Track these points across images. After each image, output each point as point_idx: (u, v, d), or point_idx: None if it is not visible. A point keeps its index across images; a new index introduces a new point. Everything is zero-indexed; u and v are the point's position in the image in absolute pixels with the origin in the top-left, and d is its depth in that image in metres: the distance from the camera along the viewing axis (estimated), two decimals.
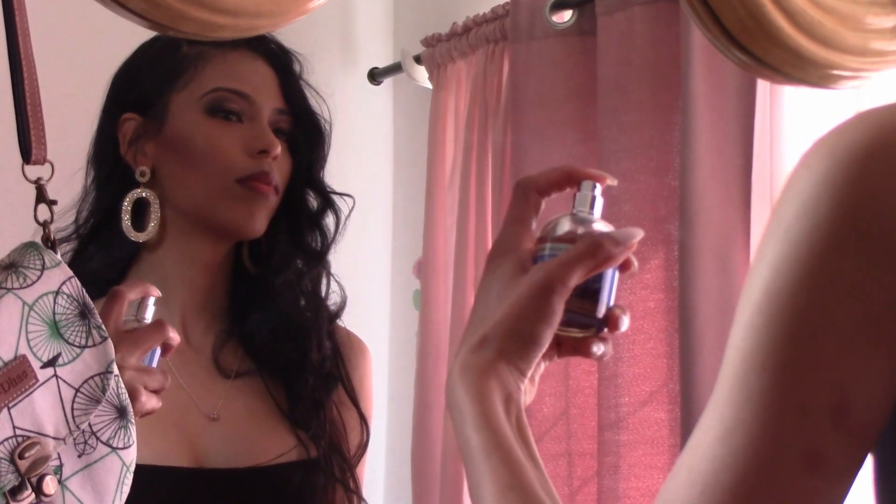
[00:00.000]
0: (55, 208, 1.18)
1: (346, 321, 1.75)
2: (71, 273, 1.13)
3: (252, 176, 1.60)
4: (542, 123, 2.29)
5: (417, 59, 2.62)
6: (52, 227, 1.17)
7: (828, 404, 0.72)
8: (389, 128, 2.81)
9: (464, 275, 2.42)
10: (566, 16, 2.29)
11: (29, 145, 1.12)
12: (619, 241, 0.99)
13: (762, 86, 1.96)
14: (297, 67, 1.71)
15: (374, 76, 2.73)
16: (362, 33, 2.77)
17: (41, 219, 1.16)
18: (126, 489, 1.12)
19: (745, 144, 1.98)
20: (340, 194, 1.74)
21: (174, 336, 1.36)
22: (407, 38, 2.72)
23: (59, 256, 1.13)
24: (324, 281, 1.71)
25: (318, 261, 1.69)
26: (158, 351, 1.36)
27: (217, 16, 1.19)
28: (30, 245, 1.14)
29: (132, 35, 1.53)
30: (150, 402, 1.34)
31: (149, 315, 1.38)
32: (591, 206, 1.02)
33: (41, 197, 1.16)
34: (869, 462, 0.76)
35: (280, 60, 1.69)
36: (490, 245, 2.34)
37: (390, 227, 2.79)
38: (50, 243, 1.15)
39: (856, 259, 0.72)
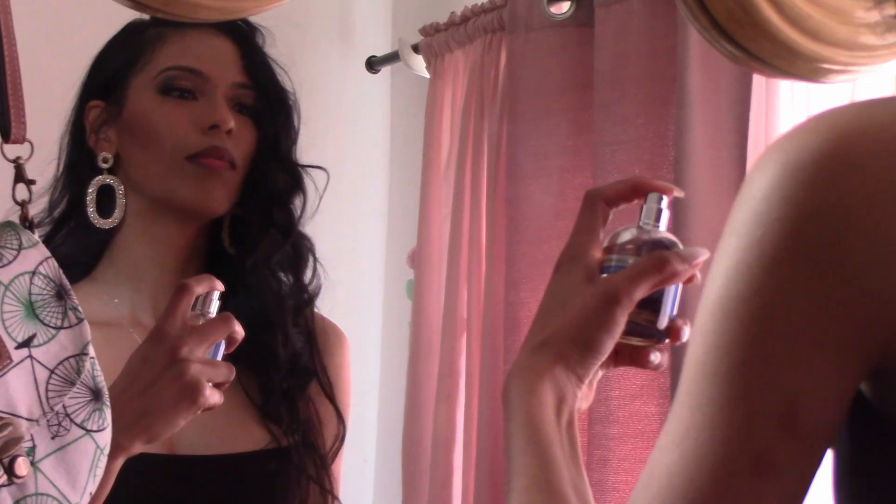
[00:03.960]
0: (33, 189, 1.17)
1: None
2: (48, 254, 1.12)
3: (202, 152, 1.58)
4: (539, 114, 2.28)
5: (415, 49, 2.62)
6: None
7: (777, 411, 0.72)
8: (387, 116, 2.80)
9: (457, 265, 2.41)
10: (564, 7, 2.28)
11: (8, 124, 1.11)
12: (685, 259, 1.02)
13: (757, 79, 1.95)
14: (259, 40, 1.69)
15: (372, 65, 2.72)
16: (361, 22, 2.76)
17: (19, 198, 1.15)
18: (100, 472, 1.12)
19: (739, 138, 1.98)
20: (311, 166, 1.71)
21: (239, 330, 1.38)
22: (405, 28, 2.71)
23: (36, 237, 1.13)
24: (309, 267, 1.69)
25: (285, 238, 1.66)
26: (223, 345, 1.38)
27: None
28: (7, 225, 1.13)
29: (118, 16, 1.52)
30: (213, 396, 1.35)
31: (213, 309, 1.39)
32: (657, 219, 1.05)
33: (20, 176, 1.15)
34: (828, 461, 0.76)
35: (241, 34, 1.67)
36: (484, 235, 2.37)
37: (386, 216, 2.79)
38: (28, 223, 1.14)
39: (805, 266, 0.71)
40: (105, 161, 1.61)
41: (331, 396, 1.65)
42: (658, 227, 1.05)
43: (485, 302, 2.34)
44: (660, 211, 1.05)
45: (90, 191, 1.58)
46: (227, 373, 1.37)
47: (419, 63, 2.61)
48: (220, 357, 1.38)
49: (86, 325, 1.12)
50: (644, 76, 2.11)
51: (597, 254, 1.03)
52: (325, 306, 1.78)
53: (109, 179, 1.60)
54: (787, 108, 1.96)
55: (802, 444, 0.72)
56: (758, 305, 0.72)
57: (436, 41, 2.55)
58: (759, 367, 0.72)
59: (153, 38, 1.63)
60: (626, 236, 1.04)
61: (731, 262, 0.74)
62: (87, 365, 1.11)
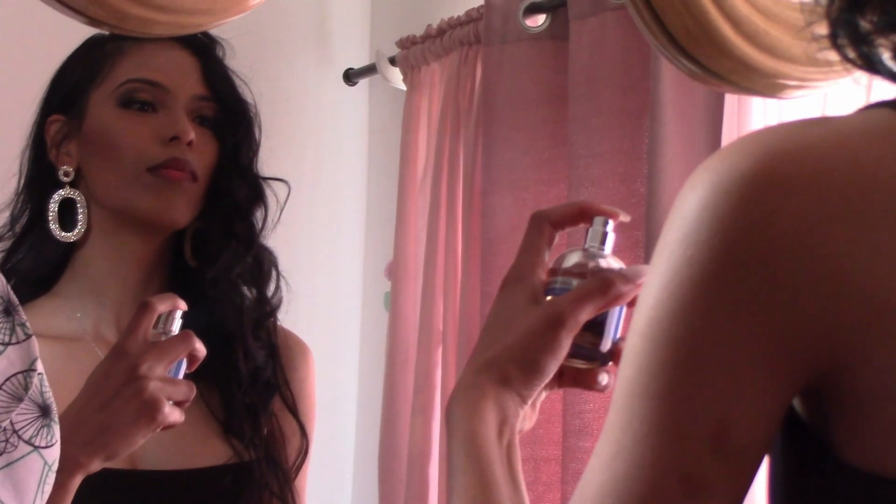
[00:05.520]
0: None
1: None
2: None
3: (163, 164, 1.58)
4: (514, 127, 2.29)
5: (392, 61, 2.62)
6: None
7: (706, 431, 0.72)
8: (364, 129, 2.80)
9: (433, 277, 2.41)
10: (540, 20, 2.28)
11: None
12: (629, 279, 1.02)
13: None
14: (220, 53, 1.68)
15: (350, 77, 2.73)
16: (338, 34, 2.76)
17: None
18: (48, 489, 1.11)
19: (712, 151, 1.97)
20: (272, 178, 1.71)
21: (200, 348, 1.38)
22: (382, 40, 2.71)
23: None
24: (272, 280, 1.68)
25: (246, 251, 1.65)
26: (184, 362, 1.38)
27: (154, 13, 1.19)
28: None
29: (75, 34, 1.52)
30: (173, 414, 1.35)
31: (175, 327, 1.39)
32: (603, 242, 1.06)
33: None
34: (764, 470, 0.76)
35: (201, 46, 1.66)
36: (459, 247, 2.37)
37: (363, 228, 2.79)
38: None
39: (735, 287, 0.71)
40: (66, 175, 1.61)
41: (294, 411, 1.65)
42: (603, 250, 1.06)
43: (460, 314, 2.34)
44: (605, 234, 1.06)
45: (52, 205, 1.59)
46: (187, 391, 1.37)
47: (396, 75, 2.61)
48: (181, 375, 1.38)
49: (34, 341, 1.11)
50: (618, 89, 2.11)
51: (542, 275, 1.03)
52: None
53: (71, 193, 1.60)
54: (760, 122, 1.95)
55: (733, 464, 0.72)
56: (687, 325, 0.72)
57: (412, 54, 2.55)
58: (688, 387, 0.72)
59: (112, 51, 1.63)
60: (572, 259, 1.05)
61: (662, 281, 0.73)
62: (36, 381, 1.10)
